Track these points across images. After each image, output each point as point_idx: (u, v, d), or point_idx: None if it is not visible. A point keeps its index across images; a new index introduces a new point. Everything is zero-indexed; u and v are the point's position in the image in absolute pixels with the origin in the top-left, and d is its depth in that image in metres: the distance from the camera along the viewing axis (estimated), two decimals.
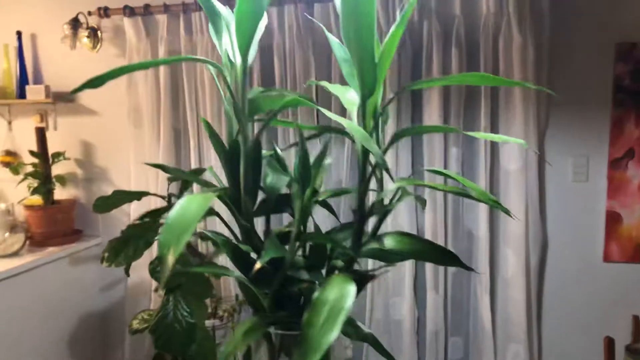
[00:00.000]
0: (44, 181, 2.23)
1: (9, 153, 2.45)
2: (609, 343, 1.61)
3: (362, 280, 0.63)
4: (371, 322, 1.97)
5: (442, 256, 0.51)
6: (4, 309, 1.92)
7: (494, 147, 1.80)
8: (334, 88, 0.63)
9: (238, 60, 0.56)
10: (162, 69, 2.09)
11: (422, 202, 0.73)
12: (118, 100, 2.25)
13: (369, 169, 0.55)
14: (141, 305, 2.23)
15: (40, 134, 2.25)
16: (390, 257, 0.54)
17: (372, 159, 0.57)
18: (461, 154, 1.85)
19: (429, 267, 1.87)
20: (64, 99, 2.32)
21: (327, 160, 0.75)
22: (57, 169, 2.31)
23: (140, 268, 2.21)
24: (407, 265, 1.89)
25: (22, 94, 2.31)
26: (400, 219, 1.90)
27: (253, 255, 0.58)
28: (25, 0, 2.35)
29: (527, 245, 1.76)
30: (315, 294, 0.47)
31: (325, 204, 0.67)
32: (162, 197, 1.87)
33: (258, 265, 0.51)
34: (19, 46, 2.32)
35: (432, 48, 1.77)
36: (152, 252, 2.09)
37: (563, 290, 1.86)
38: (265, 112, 0.59)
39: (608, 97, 1.76)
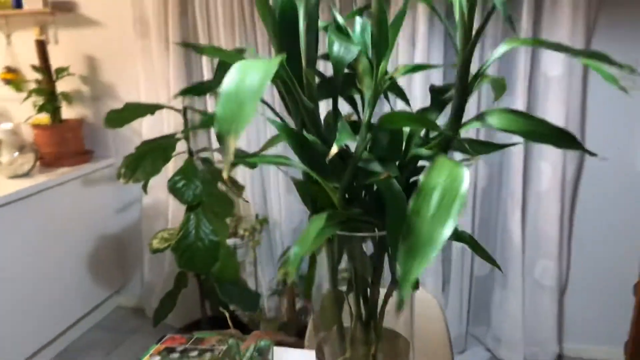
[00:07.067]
0: (50, 98, 2.11)
1: (9, 70, 2.32)
2: None
3: None
4: None
5: (560, 137, 0.41)
6: (19, 231, 1.87)
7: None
8: None
9: None
10: None
11: (500, 87, 0.61)
12: (121, 9, 2.09)
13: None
14: (158, 226, 2.19)
15: (42, 47, 2.11)
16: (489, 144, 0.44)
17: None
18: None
19: None
20: (63, 9, 2.15)
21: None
22: (61, 86, 2.19)
23: (154, 189, 2.15)
24: None
25: (18, 3, 2.14)
26: None
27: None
28: None
29: (565, 158, 1.66)
30: (421, 178, 0.38)
31: (396, 88, 0.56)
32: (177, 110, 1.75)
33: (334, 149, 0.41)
34: None
35: None
36: (168, 171, 2.01)
37: (597, 204, 1.79)
38: None
39: None
